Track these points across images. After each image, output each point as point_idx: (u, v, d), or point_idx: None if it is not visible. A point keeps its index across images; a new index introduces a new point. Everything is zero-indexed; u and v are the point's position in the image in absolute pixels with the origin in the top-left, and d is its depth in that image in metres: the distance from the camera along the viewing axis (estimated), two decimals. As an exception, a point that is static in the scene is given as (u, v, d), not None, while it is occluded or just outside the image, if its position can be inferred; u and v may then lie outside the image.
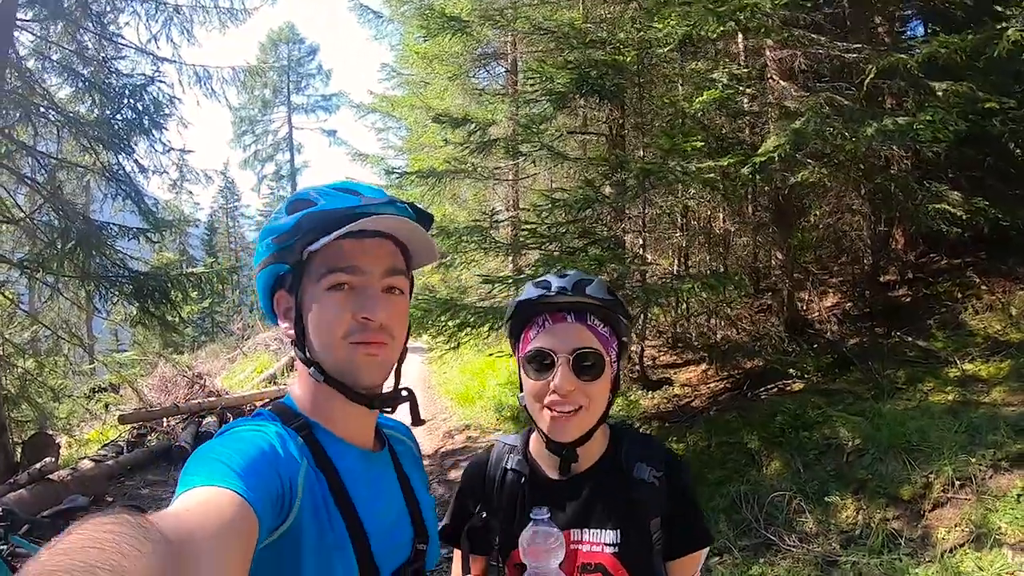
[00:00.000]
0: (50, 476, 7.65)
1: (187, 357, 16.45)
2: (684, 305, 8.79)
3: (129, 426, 9.78)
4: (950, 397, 6.72)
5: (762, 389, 7.84)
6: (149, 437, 9.80)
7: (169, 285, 9.99)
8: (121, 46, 10.83)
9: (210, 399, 10.84)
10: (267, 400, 12.09)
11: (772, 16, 6.84)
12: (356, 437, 1.40)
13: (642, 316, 8.09)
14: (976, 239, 8.34)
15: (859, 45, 7.22)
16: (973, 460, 5.51)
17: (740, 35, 8.05)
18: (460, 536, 1.79)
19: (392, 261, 1.37)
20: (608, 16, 8.95)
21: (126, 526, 0.74)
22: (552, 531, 1.55)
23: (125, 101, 10.17)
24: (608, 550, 1.64)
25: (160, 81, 10.68)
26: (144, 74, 10.74)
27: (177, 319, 10.38)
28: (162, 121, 10.79)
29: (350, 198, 1.34)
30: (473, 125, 8.16)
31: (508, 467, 1.78)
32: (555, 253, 6.89)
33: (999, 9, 6.60)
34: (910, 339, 8.07)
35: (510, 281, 7.18)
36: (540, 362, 1.61)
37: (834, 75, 7.57)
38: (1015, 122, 7.14)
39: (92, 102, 10.50)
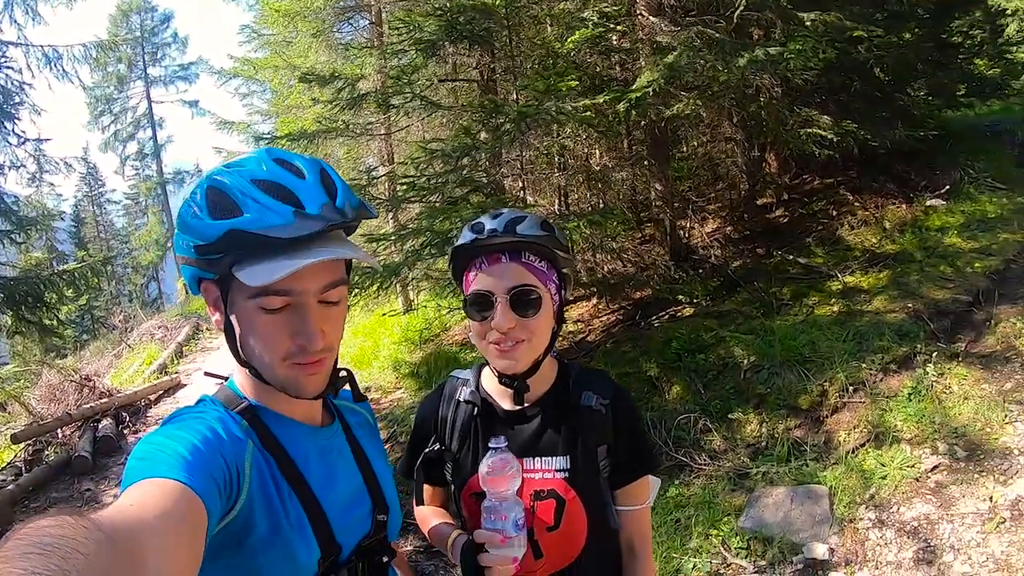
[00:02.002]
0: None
1: (72, 360, 15.49)
2: (568, 242, 8.85)
3: (23, 444, 9.15)
4: (835, 309, 7.02)
5: (654, 317, 7.98)
6: (46, 452, 9.15)
7: (41, 287, 9.50)
8: None
9: (102, 401, 10.22)
10: (162, 391, 11.70)
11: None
12: (303, 415, 1.37)
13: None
14: (846, 159, 8.70)
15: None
16: (863, 365, 5.81)
17: None
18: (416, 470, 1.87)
19: (332, 276, 1.27)
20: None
21: (67, 528, 0.71)
22: (510, 459, 1.59)
23: None
24: (559, 475, 1.71)
25: (7, 67, 9.84)
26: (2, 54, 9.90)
27: (55, 322, 9.84)
28: (13, 111, 10.03)
29: (284, 210, 1.16)
30: (341, 82, 7.84)
31: (461, 399, 1.83)
32: (436, 204, 6.76)
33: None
34: (791, 257, 8.39)
35: (393, 238, 7.02)
36: (480, 303, 1.65)
37: (702, 9, 7.61)
38: (879, 48, 7.46)
39: None
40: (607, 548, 1.81)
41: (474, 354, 8.39)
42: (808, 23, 6.65)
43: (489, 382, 1.82)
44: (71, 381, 11.18)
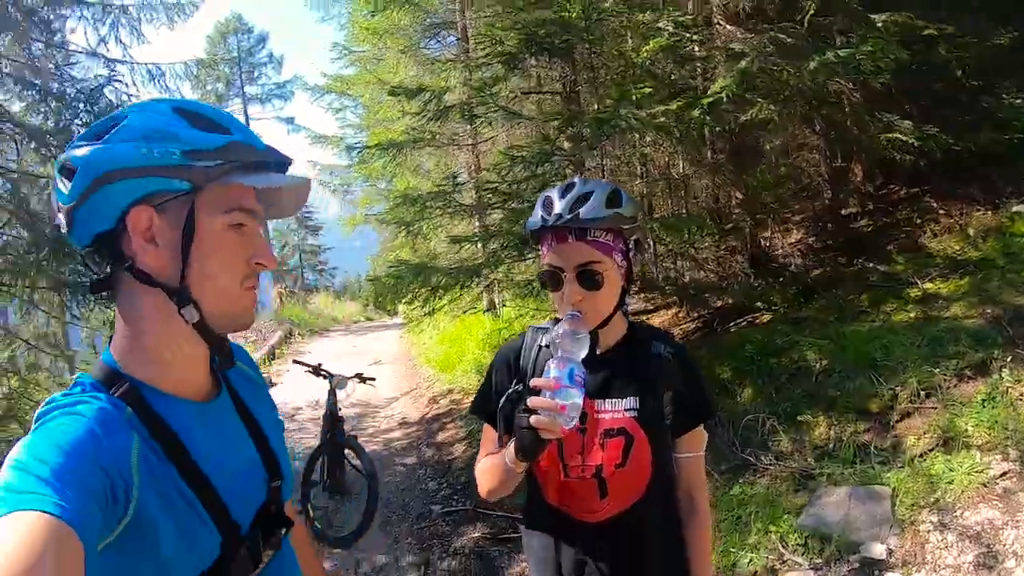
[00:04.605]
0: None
1: None
2: (650, 250, 8.97)
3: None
4: (912, 315, 6.93)
5: (731, 324, 8.03)
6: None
7: None
8: (71, 52, 10.71)
9: None
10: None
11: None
12: (191, 388, 1.29)
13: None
14: (931, 165, 8.53)
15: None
16: (937, 371, 5.72)
17: None
18: (490, 412, 2.03)
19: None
20: (553, -26, 8.98)
21: None
22: (583, 324, 1.77)
23: (81, 107, 10.08)
24: (628, 415, 1.89)
25: (116, 81, 10.57)
26: (100, 75, 10.63)
27: None
28: None
29: (251, 135, 1.25)
30: (428, 94, 8.21)
31: (541, 344, 2.03)
32: (516, 207, 7.03)
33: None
34: (871, 265, 8.29)
35: (476, 240, 7.31)
36: (552, 278, 1.87)
37: (778, 15, 7.69)
38: (958, 48, 7.35)
39: (48, 111, 10.39)
40: (667, 493, 1.97)
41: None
42: (879, 24, 6.66)
43: None
44: None
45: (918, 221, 8.88)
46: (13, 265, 8.91)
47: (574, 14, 7.03)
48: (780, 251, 9.31)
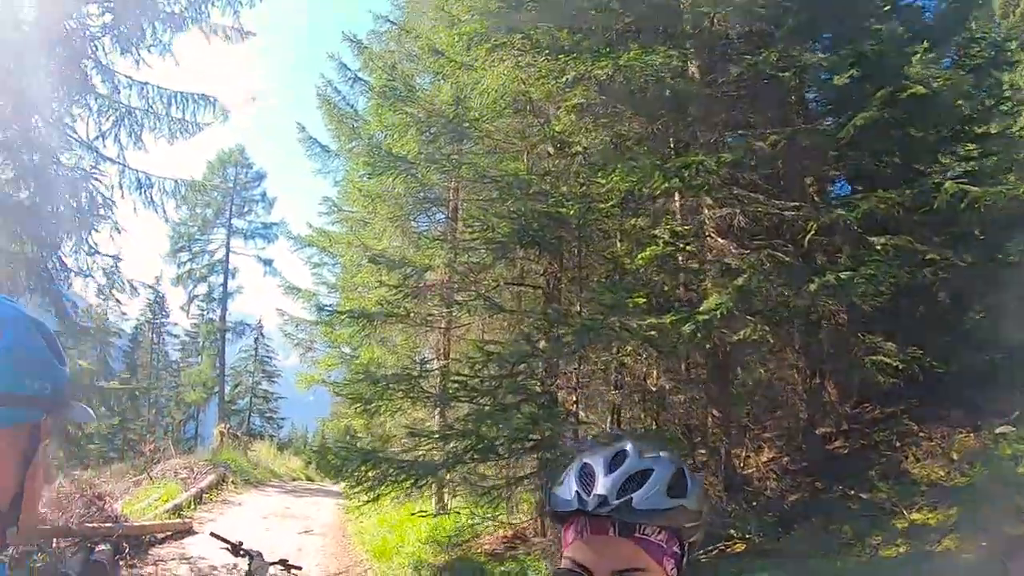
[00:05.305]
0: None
1: (90, 474, 14.99)
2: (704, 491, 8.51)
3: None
4: (902, 549, 6.55)
5: (700, 552, 7.47)
6: (35, 557, 8.75)
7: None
8: (69, 137, 10.61)
9: (107, 524, 9.89)
10: (171, 532, 11.29)
11: (715, 174, 6.97)
12: None
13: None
14: (909, 384, 8.38)
15: (796, 203, 7.37)
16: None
17: (677, 194, 8.18)
18: None
19: None
20: (552, 169, 9.06)
21: None
22: None
23: (61, 195, 9.87)
24: None
25: (96, 179, 10.40)
26: (83, 169, 10.47)
27: (80, 434, 9.77)
28: (93, 222, 10.46)
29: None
30: (409, 268, 8.04)
31: None
32: (486, 408, 6.61)
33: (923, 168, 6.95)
34: (852, 491, 7.92)
35: (436, 436, 6.84)
36: None
37: (770, 232, 7.69)
38: (944, 271, 7.35)
39: (30, 190, 10.12)
40: None
41: (502, 568, 7.93)
42: (879, 247, 6.64)
43: None
44: (82, 495, 10.90)
45: (898, 444, 8.62)
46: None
47: (571, 211, 6.92)
48: (754, 471, 8.89)
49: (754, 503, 8.07)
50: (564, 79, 7.89)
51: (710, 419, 8.52)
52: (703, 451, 9.12)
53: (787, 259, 6.75)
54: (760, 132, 7.27)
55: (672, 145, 8.10)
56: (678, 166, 6.78)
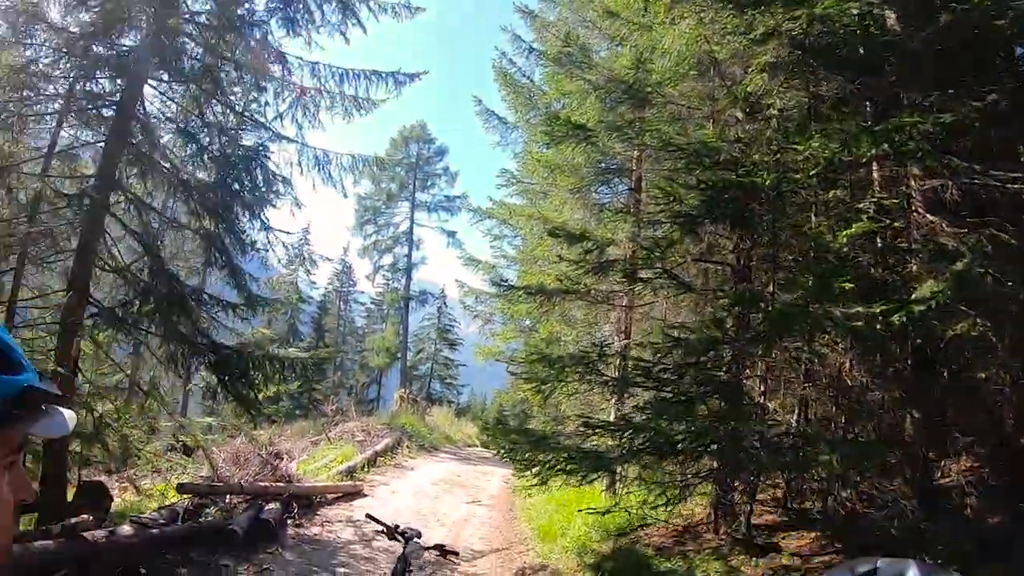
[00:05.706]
0: (83, 534, 7.01)
1: (271, 432, 15.63)
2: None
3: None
4: None
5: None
6: (209, 510, 9.15)
7: (251, 365, 9.90)
8: (245, 119, 11.12)
9: (278, 484, 10.26)
10: (341, 495, 11.62)
11: (932, 138, 5.99)
12: None
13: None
14: None
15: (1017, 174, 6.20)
16: None
17: (875, 163, 7.17)
18: None
19: None
20: (742, 135, 8.28)
21: None
22: None
23: (238, 172, 10.28)
24: None
25: (265, 156, 10.73)
26: (261, 145, 10.92)
27: (254, 397, 10.22)
28: (269, 199, 10.84)
29: (33, 371, 1.16)
30: (591, 243, 7.58)
31: None
32: (668, 398, 6.03)
33: None
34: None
35: (612, 428, 6.35)
36: None
37: (986, 208, 6.54)
38: None
39: (207, 168, 10.74)
40: None
41: (668, 564, 7.38)
42: None
43: None
44: (259, 454, 11.37)
45: None
46: (130, 303, 9.29)
47: (767, 181, 6.17)
48: (951, 480, 7.72)
49: (950, 521, 6.99)
50: (752, 35, 7.20)
51: (909, 420, 7.49)
52: (896, 453, 8.09)
53: (1013, 241, 5.66)
54: (975, 91, 6.10)
55: (870, 108, 7.13)
56: (889, 129, 5.87)
